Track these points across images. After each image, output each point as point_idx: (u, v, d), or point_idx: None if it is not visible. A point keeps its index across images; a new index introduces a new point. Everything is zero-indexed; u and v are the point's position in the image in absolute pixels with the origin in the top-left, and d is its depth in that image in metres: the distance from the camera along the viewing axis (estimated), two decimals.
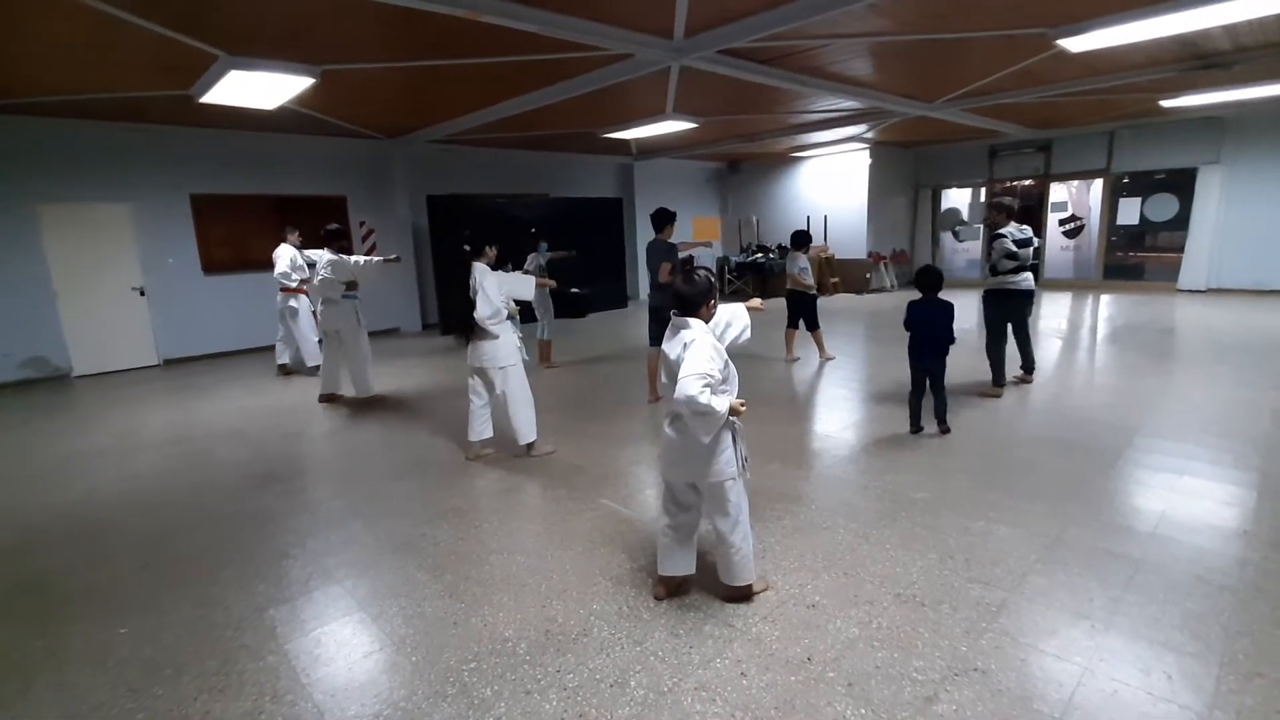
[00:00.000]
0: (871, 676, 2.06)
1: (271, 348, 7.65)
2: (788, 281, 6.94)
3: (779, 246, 13.69)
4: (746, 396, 2.42)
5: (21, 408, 6.38)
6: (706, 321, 2.42)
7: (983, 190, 13.29)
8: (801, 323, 6.97)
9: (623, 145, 11.32)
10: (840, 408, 5.38)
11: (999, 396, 5.30)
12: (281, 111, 7.06)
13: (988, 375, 5.44)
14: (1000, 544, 2.88)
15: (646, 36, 5.12)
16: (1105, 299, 10.76)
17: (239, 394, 6.56)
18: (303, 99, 6.60)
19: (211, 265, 8.65)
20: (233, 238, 8.88)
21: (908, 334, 4.50)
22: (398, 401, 6.05)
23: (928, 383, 4.44)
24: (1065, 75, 7.18)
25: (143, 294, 8.11)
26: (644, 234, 13.54)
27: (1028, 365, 5.68)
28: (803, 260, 6.82)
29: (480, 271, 4.06)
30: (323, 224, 7.86)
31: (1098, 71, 7.00)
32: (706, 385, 2.17)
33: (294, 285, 7.29)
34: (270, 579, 2.86)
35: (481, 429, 4.31)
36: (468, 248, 4.10)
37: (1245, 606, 2.36)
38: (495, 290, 4.03)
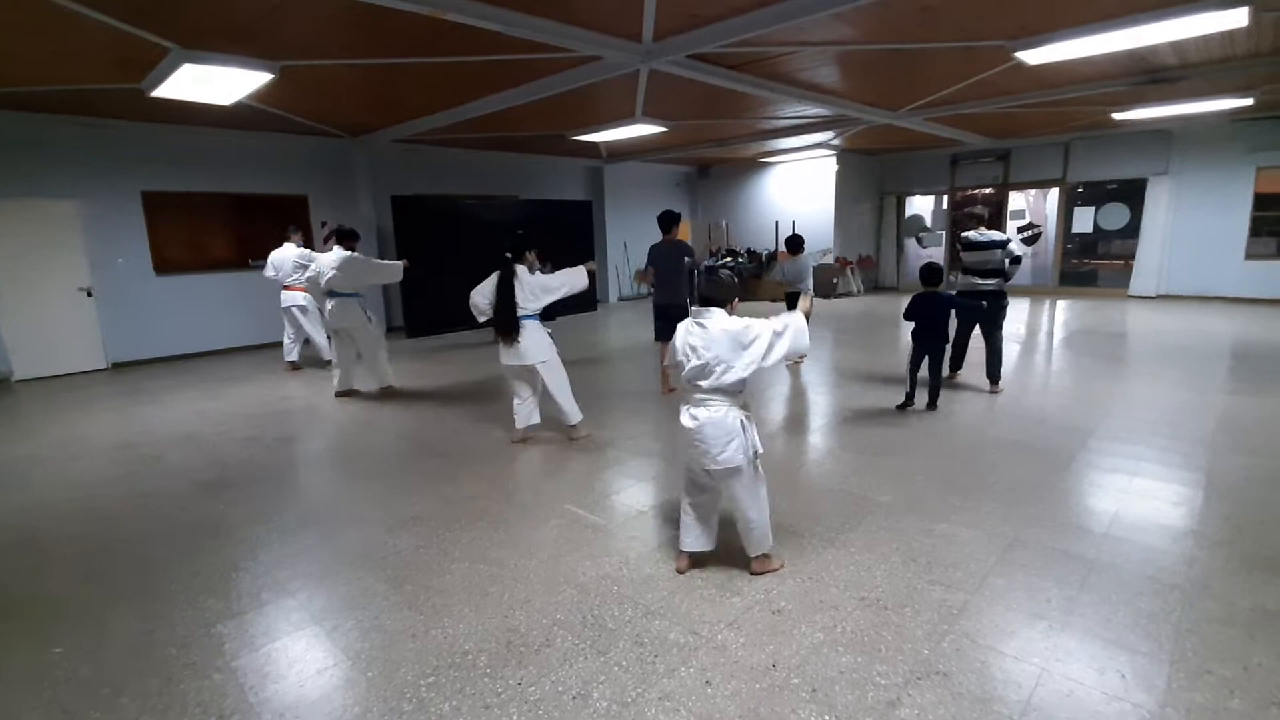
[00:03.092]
0: (835, 682, 2.06)
1: (231, 350, 7.50)
2: (786, 284, 7.03)
3: (748, 250, 13.80)
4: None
5: None
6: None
7: (945, 197, 13.61)
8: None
9: (592, 148, 11.29)
10: (810, 412, 5.44)
11: (953, 379, 5.89)
12: (239, 107, 6.85)
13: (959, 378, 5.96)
14: (961, 546, 2.92)
15: (615, 39, 5.10)
16: (1061, 304, 11.10)
17: (193, 398, 6.32)
18: (261, 95, 6.41)
19: (165, 265, 8.34)
20: (188, 237, 8.59)
21: (910, 324, 5.12)
22: (407, 397, 6.11)
23: (926, 360, 5.06)
24: (1022, 87, 7.38)
25: (90, 295, 7.78)
26: (615, 237, 13.55)
27: (994, 376, 5.56)
28: (805, 261, 6.91)
29: (523, 273, 4.38)
30: (283, 223, 7.76)
31: (1052, 84, 7.22)
32: (777, 336, 2.55)
33: (300, 284, 7.30)
34: (219, 592, 2.74)
35: (529, 416, 4.59)
36: (509, 254, 4.37)
37: (1194, 604, 2.43)
38: (539, 289, 4.39)
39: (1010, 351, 7.36)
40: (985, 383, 5.66)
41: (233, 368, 7.83)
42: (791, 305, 7.13)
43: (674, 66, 5.66)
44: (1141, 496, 3.40)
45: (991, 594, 2.53)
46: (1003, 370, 5.67)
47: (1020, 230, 13.64)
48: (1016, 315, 10.13)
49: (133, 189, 8.01)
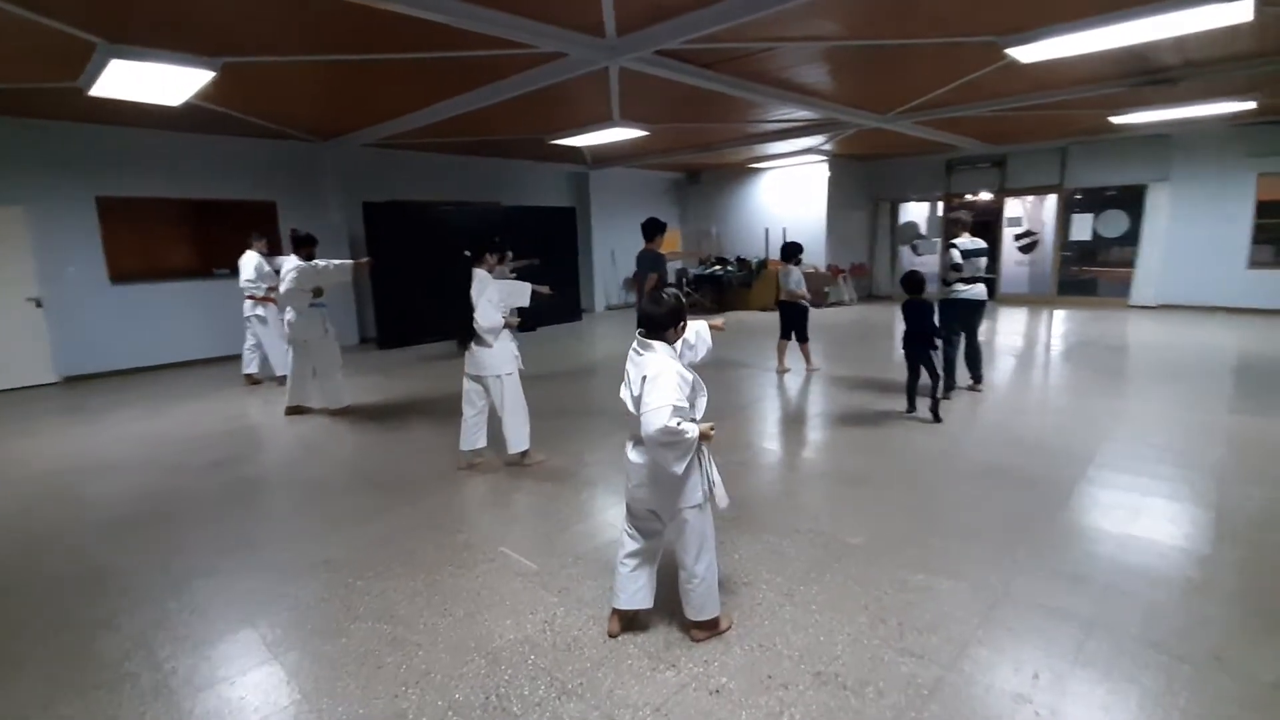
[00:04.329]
0: None
1: (190, 363, 7.17)
2: (781, 294, 6.87)
3: (738, 259, 13.45)
4: (717, 405, 2.04)
5: None
6: (674, 345, 2.27)
7: (940, 204, 13.28)
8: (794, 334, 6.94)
9: (577, 153, 10.96)
10: (786, 432, 5.06)
11: (948, 398, 5.41)
12: (195, 109, 6.51)
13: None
14: (940, 602, 2.54)
15: (576, 34, 4.76)
16: (1060, 314, 10.74)
17: (134, 416, 5.94)
18: (213, 95, 6.08)
19: (120, 274, 7.97)
20: (146, 245, 8.23)
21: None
22: (358, 417, 5.71)
23: (922, 370, 5.05)
24: (1014, 89, 7.05)
25: (39, 305, 7.41)
26: (601, 244, 13.20)
27: (976, 376, 5.80)
28: (797, 273, 6.76)
29: (480, 279, 3.98)
30: (249, 230, 7.39)
31: (1046, 85, 6.88)
32: (676, 416, 2.05)
33: (261, 294, 6.95)
34: (76, 661, 2.36)
35: (474, 438, 4.18)
36: (468, 253, 4.06)
37: (1205, 682, 2.05)
38: (496, 298, 3.98)
39: (1007, 366, 7.00)
40: (973, 395, 5.71)
41: (187, 382, 7.45)
42: (785, 315, 6.87)
43: (643, 64, 5.32)
44: (1147, 539, 3.02)
45: (971, 668, 2.15)
46: (998, 381, 5.71)
47: (1017, 238, 13.38)
48: (1014, 326, 9.77)
49: (86, 194, 7.64)
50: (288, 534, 3.39)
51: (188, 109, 6.48)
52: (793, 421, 5.38)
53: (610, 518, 3.43)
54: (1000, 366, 6.89)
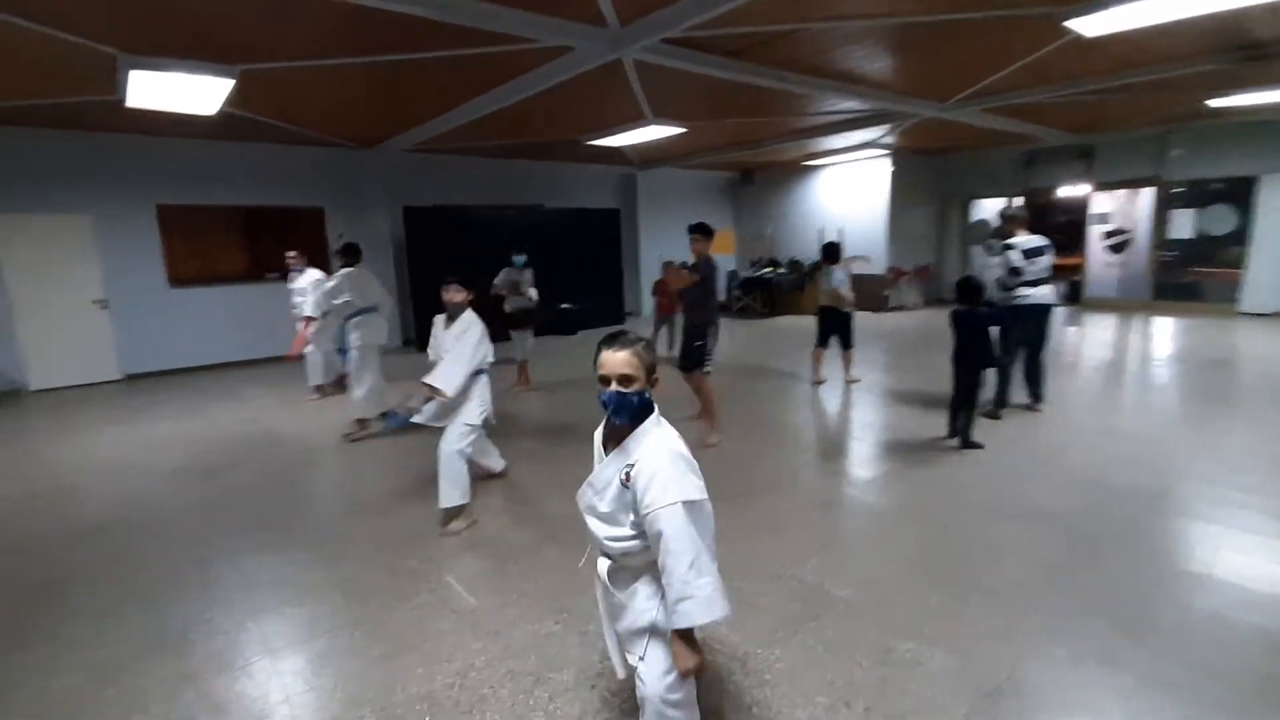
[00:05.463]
0: None
1: (244, 363, 7.26)
2: (822, 297, 6.37)
3: (791, 261, 12.84)
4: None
5: None
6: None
7: (1016, 200, 12.17)
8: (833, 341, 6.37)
9: (622, 155, 10.73)
10: (801, 452, 4.57)
11: (998, 419, 4.94)
12: (237, 119, 6.73)
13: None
14: (924, 684, 2.09)
15: (577, 25, 4.49)
16: (1155, 321, 9.56)
17: (166, 415, 6.14)
18: (245, 103, 6.23)
19: (178, 278, 8.38)
20: (201, 250, 8.61)
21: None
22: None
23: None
24: (1092, 70, 6.24)
25: (105, 307, 7.88)
26: (649, 247, 12.90)
27: (1036, 394, 5.18)
28: (840, 273, 6.24)
29: (438, 324, 3.56)
30: (298, 236, 7.43)
31: (1129, 65, 6.04)
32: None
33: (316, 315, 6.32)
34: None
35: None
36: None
37: None
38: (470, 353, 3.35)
39: (1077, 382, 6.19)
40: (1031, 416, 5.08)
41: (233, 382, 7.70)
42: (824, 320, 6.33)
43: (655, 55, 4.99)
44: (1217, 613, 2.43)
45: None
46: (1063, 400, 5.14)
47: (1106, 236, 12.08)
48: (1096, 334, 8.75)
49: (147, 202, 8.07)
50: (242, 549, 3.28)
51: (231, 119, 6.70)
52: (811, 441, 4.89)
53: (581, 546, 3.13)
54: (1069, 383, 6.09)
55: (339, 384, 6.66)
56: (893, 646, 2.29)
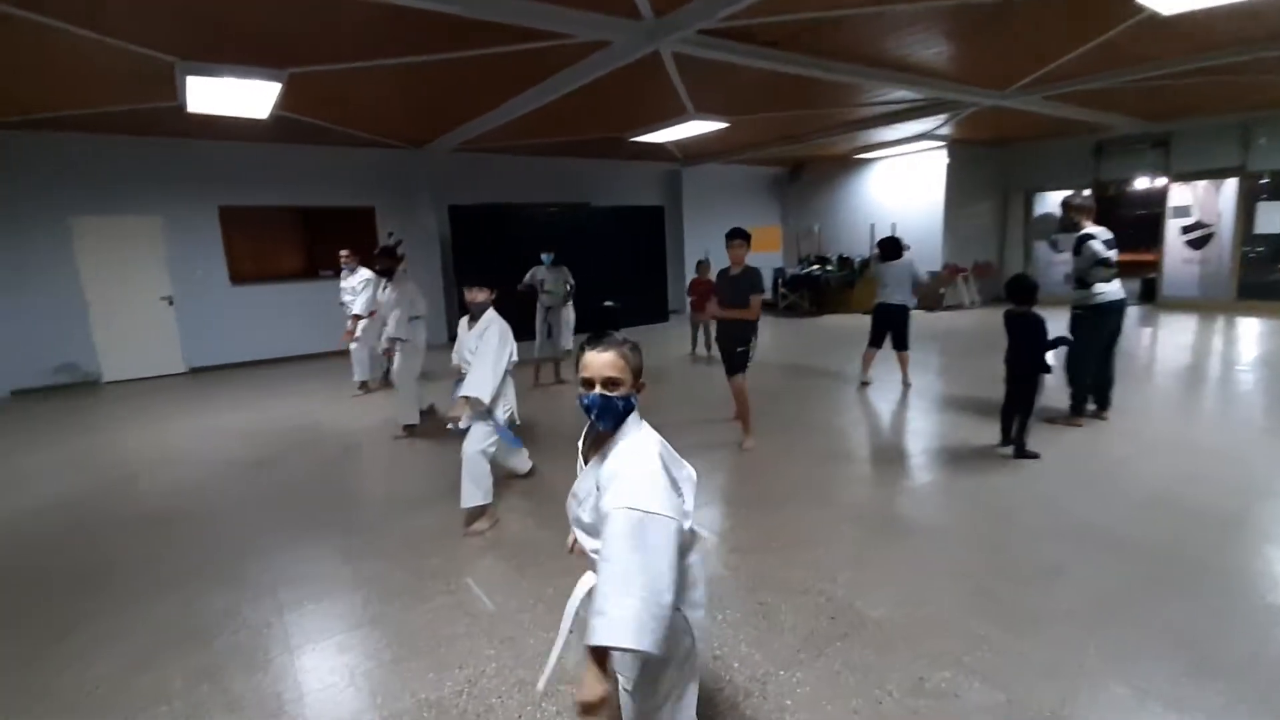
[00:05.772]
0: None
1: (302, 357, 7.61)
2: (880, 294, 6.13)
3: (840, 257, 12.46)
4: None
5: (32, 416, 6.53)
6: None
7: (1086, 193, 11.47)
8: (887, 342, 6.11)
9: (667, 151, 10.62)
10: (848, 454, 4.36)
11: (1080, 425, 4.67)
12: (289, 121, 6.97)
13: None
14: None
15: (612, 19, 4.42)
16: (1239, 323, 8.84)
17: (225, 407, 6.41)
18: (295, 106, 6.41)
19: (238, 276, 8.75)
20: (260, 249, 8.98)
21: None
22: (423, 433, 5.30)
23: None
24: (1168, 52, 5.78)
25: (171, 303, 8.30)
26: (692, 244, 12.74)
27: (1102, 400, 4.86)
28: (908, 265, 6.01)
29: (462, 325, 3.50)
30: (350, 235, 7.50)
31: (1207, 47, 5.56)
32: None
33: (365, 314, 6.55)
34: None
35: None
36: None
37: None
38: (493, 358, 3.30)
39: (1148, 388, 5.76)
40: (1095, 425, 4.74)
41: (287, 376, 7.98)
42: (879, 318, 6.08)
43: (693, 46, 4.87)
44: None
45: None
46: (1132, 407, 4.88)
47: (1185, 230, 11.25)
48: (1172, 336, 8.15)
49: (210, 204, 8.45)
50: (266, 547, 3.34)
51: (285, 123, 6.94)
52: (852, 446, 4.67)
53: None
54: (1139, 389, 5.67)
55: (385, 379, 6.83)
56: (927, 675, 2.13)
